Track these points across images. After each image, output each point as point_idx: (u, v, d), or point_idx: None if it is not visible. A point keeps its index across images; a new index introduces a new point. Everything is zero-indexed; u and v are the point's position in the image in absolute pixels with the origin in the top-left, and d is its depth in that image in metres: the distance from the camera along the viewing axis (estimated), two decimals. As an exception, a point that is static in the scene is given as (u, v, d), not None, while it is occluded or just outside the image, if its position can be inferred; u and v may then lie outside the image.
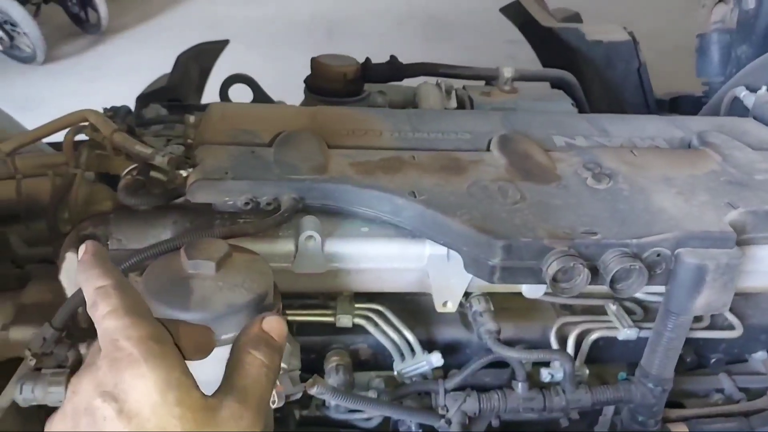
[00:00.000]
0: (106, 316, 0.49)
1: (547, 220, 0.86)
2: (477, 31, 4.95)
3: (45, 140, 1.25)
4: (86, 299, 0.52)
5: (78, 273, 0.53)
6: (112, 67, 4.64)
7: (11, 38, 4.62)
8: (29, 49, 4.64)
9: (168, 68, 1.80)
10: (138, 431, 0.43)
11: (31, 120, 1.31)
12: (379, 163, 0.98)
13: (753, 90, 1.32)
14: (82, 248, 0.56)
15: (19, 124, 1.45)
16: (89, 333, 0.91)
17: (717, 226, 0.86)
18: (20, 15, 4.53)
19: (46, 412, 0.97)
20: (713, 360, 1.06)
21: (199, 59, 1.89)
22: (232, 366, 0.52)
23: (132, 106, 1.35)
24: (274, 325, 0.56)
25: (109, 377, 0.45)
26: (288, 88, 1.64)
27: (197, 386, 0.46)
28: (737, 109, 1.36)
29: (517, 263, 0.82)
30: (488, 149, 1.05)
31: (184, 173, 0.92)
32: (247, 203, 0.90)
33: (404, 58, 1.54)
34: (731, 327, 1.04)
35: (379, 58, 1.53)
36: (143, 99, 1.63)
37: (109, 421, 0.44)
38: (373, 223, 0.92)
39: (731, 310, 1.04)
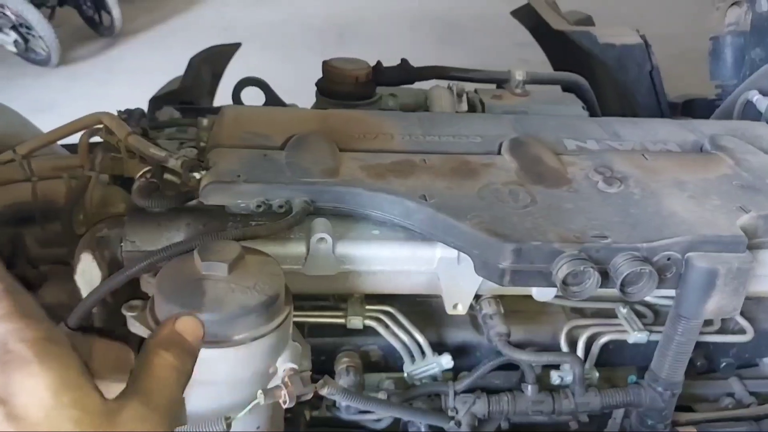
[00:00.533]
0: None
1: (557, 223, 0.86)
2: (487, 34, 4.95)
3: (60, 142, 1.27)
4: None
5: None
6: (125, 70, 4.69)
7: (26, 41, 4.67)
8: (44, 51, 4.69)
9: (181, 71, 1.81)
10: (19, 421, 0.40)
11: (45, 122, 1.32)
12: (390, 167, 0.98)
13: (766, 94, 1.32)
14: None
15: (35, 127, 1.47)
16: (104, 333, 0.92)
17: (728, 230, 0.86)
18: (35, 18, 4.58)
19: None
20: (723, 364, 1.06)
21: (211, 62, 1.91)
22: (139, 367, 0.49)
23: (145, 108, 1.36)
24: (188, 325, 0.54)
25: None
26: (300, 91, 1.65)
27: (97, 388, 0.44)
28: (750, 112, 1.36)
29: (527, 266, 0.82)
30: (499, 152, 1.05)
31: (197, 176, 0.93)
32: (259, 206, 0.91)
33: (415, 62, 1.55)
34: (742, 331, 1.04)
35: (390, 61, 1.53)
36: (156, 101, 1.64)
37: None
38: (384, 226, 0.93)
39: (742, 314, 1.04)
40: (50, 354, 0.42)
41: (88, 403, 0.42)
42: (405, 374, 0.98)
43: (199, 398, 0.78)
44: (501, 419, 0.96)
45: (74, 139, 1.11)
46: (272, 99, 1.60)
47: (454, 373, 0.98)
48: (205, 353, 0.73)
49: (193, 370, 0.51)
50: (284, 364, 0.77)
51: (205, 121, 1.16)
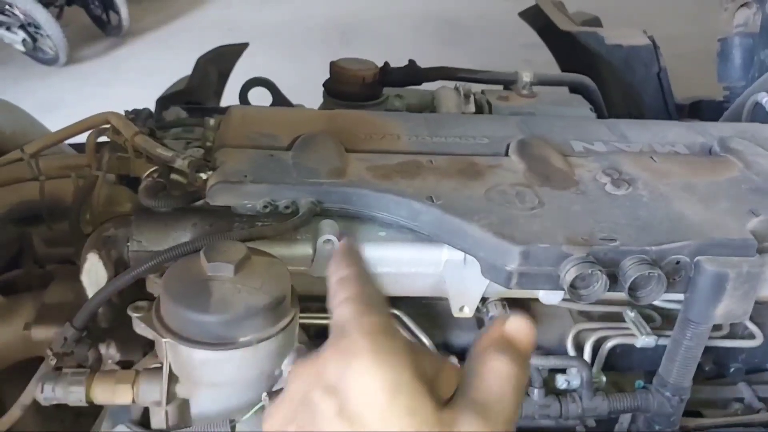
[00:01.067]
0: (340, 304, 0.43)
1: (565, 226, 0.86)
2: (493, 35, 4.94)
3: (67, 142, 1.27)
4: (329, 290, 0.47)
5: (328, 266, 0.49)
6: (133, 69, 4.70)
7: (34, 40, 4.69)
8: (52, 51, 4.71)
9: (188, 71, 1.82)
10: (358, 422, 0.37)
11: (53, 121, 1.33)
12: (397, 168, 0.98)
13: (775, 96, 1.31)
14: (338, 244, 0.51)
15: (42, 126, 1.47)
16: (110, 333, 0.92)
17: (738, 234, 0.85)
18: (43, 17, 4.60)
19: (65, 412, 0.98)
20: (732, 369, 1.05)
21: (218, 62, 1.91)
22: (471, 374, 0.43)
23: (152, 108, 1.36)
24: (520, 328, 0.46)
25: (332, 367, 0.39)
26: (305, 91, 1.65)
27: (431, 394, 0.39)
28: (759, 114, 1.35)
29: (534, 269, 0.82)
30: (506, 154, 1.05)
31: (203, 176, 0.93)
32: (265, 206, 0.91)
33: (421, 62, 1.54)
34: (751, 336, 1.03)
35: (396, 61, 1.53)
36: (163, 101, 1.65)
37: (327, 420, 0.38)
38: (391, 228, 0.92)
39: (752, 319, 1.03)
40: (387, 349, 0.39)
41: (424, 412, 0.38)
42: (411, 376, 0.97)
43: (204, 400, 0.78)
44: (507, 422, 0.95)
45: (82, 138, 1.11)
46: (279, 99, 1.60)
47: (460, 375, 0.98)
48: (209, 354, 0.73)
49: (528, 381, 0.46)
50: (290, 367, 0.77)
51: (211, 121, 1.16)
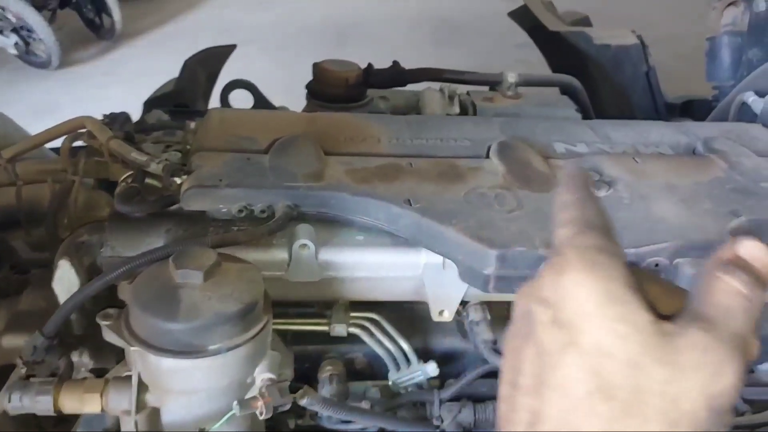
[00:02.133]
0: (558, 227, 0.43)
1: (543, 228, 0.84)
2: (488, 35, 4.93)
3: (50, 147, 1.26)
4: (552, 214, 0.46)
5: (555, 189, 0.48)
6: (126, 72, 4.69)
7: (27, 44, 4.68)
8: (44, 54, 4.70)
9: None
10: (571, 341, 0.37)
11: (46, 125, 1.31)
12: (376, 171, 0.97)
13: (762, 95, 1.30)
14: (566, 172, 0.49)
15: (23, 130, 1.46)
16: (83, 340, 0.91)
17: (718, 236, 0.84)
18: (36, 21, 4.59)
19: (44, 418, 0.97)
20: (717, 372, 1.04)
21: (206, 64, 1.89)
22: (697, 294, 0.41)
23: (132, 112, 1.35)
24: (754, 251, 0.42)
25: (548, 283, 0.40)
26: (297, 93, 1.64)
27: (650, 307, 0.38)
28: (746, 114, 1.34)
29: (511, 272, 0.81)
30: (487, 156, 1.04)
31: (178, 180, 0.92)
32: (240, 211, 0.90)
33: (414, 63, 1.53)
34: (736, 338, 1.01)
35: (390, 62, 1.52)
36: (150, 104, 1.63)
37: (542, 327, 0.39)
38: (369, 232, 0.91)
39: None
40: (597, 263, 0.39)
41: (637, 320, 0.37)
42: (390, 382, 0.96)
43: (174, 408, 0.77)
44: (487, 427, 0.94)
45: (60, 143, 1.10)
46: (261, 101, 1.59)
47: (440, 380, 0.96)
48: (178, 363, 0.72)
49: (763, 303, 0.42)
50: (262, 374, 0.76)
51: (193, 124, 1.15)
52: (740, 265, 0.42)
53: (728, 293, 0.40)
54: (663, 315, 0.39)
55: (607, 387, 0.36)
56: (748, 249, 0.43)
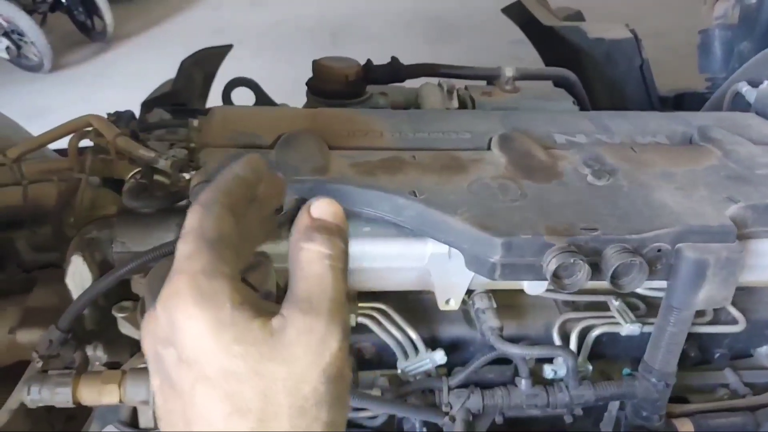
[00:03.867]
0: (181, 237, 0.43)
1: (547, 216, 0.86)
2: (482, 32, 4.95)
3: (51, 148, 1.27)
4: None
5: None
6: (118, 74, 4.68)
7: (18, 47, 4.67)
8: (36, 57, 4.69)
9: (174, 74, 1.81)
10: (199, 375, 0.39)
11: (38, 128, 1.32)
12: (380, 164, 0.98)
13: (755, 85, 1.32)
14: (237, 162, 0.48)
15: (26, 132, 1.47)
16: (96, 335, 0.92)
17: (717, 221, 0.86)
18: (27, 24, 4.58)
19: (55, 415, 0.98)
20: (717, 355, 1.06)
21: (202, 64, 1.90)
22: (290, 274, 0.43)
23: (136, 111, 1.36)
24: (324, 208, 0.45)
25: (164, 322, 0.40)
26: (293, 92, 1.65)
27: (257, 315, 0.40)
28: (739, 104, 1.36)
29: (517, 260, 0.83)
30: (489, 148, 1.05)
31: (186, 176, 0.93)
32: (249, 205, 0.91)
33: (409, 60, 1.55)
34: (734, 321, 1.04)
35: (385, 60, 1.53)
36: (148, 105, 1.64)
37: (172, 367, 0.40)
38: (375, 223, 0.93)
39: (735, 305, 1.04)
40: (206, 293, 0.40)
41: (247, 335, 0.39)
42: (399, 371, 0.98)
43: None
44: (495, 414, 0.96)
45: (64, 143, 1.11)
46: (262, 99, 1.60)
47: (448, 368, 0.98)
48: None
49: (348, 252, 0.44)
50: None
51: (195, 122, 1.16)
52: (317, 227, 0.44)
53: (314, 260, 0.43)
54: (266, 296, 0.41)
55: (240, 404, 0.38)
56: (319, 207, 0.46)
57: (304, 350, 0.40)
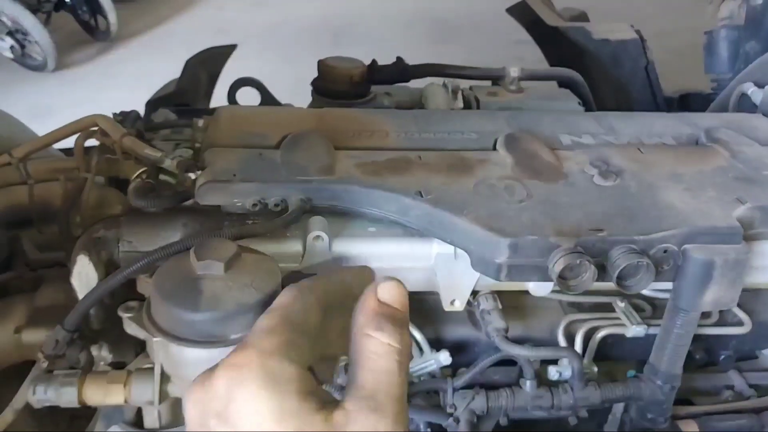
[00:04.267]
0: (266, 312, 0.44)
1: (553, 217, 0.86)
2: (485, 32, 4.95)
3: (57, 147, 1.27)
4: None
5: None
6: (122, 74, 4.69)
7: (22, 47, 4.68)
8: (40, 57, 4.70)
9: (178, 74, 1.82)
10: None
11: (43, 127, 1.32)
12: (386, 164, 0.98)
13: (761, 86, 1.32)
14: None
15: (31, 131, 1.47)
16: (102, 335, 0.92)
17: (724, 222, 0.86)
18: (31, 23, 4.59)
19: (60, 415, 0.98)
20: (723, 357, 1.06)
21: (207, 64, 1.91)
22: (354, 359, 0.43)
23: (141, 111, 1.36)
24: (392, 292, 0.45)
25: (223, 394, 0.39)
26: (297, 91, 1.65)
27: (321, 408, 0.39)
28: (745, 105, 1.36)
29: (523, 261, 0.82)
30: (494, 148, 1.05)
31: (192, 176, 0.93)
32: (255, 204, 0.91)
33: (412, 61, 1.55)
34: (740, 323, 1.04)
35: (387, 60, 1.53)
36: (152, 104, 1.65)
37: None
38: (381, 223, 0.93)
39: (741, 306, 1.04)
40: (275, 376, 0.39)
41: (312, 429, 0.39)
42: (404, 371, 0.98)
43: (197, 397, 0.78)
44: (500, 415, 0.95)
45: (70, 143, 1.11)
46: (268, 99, 1.60)
47: (453, 369, 0.98)
48: (201, 353, 0.73)
49: (411, 345, 0.44)
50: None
51: (200, 122, 1.16)
52: (386, 316, 0.43)
53: (383, 355, 0.42)
54: (331, 399, 0.40)
55: None
56: (387, 291, 0.45)
57: None
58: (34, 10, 4.75)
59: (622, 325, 1.00)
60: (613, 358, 1.04)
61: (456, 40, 5.10)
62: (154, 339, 0.74)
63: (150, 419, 0.80)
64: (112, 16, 5.10)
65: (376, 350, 0.42)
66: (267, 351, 0.40)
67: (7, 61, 4.73)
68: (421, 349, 0.97)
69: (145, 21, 5.62)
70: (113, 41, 5.21)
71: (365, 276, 0.49)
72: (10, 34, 4.62)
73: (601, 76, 1.77)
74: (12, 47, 4.64)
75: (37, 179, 1.11)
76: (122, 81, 4.44)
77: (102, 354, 0.89)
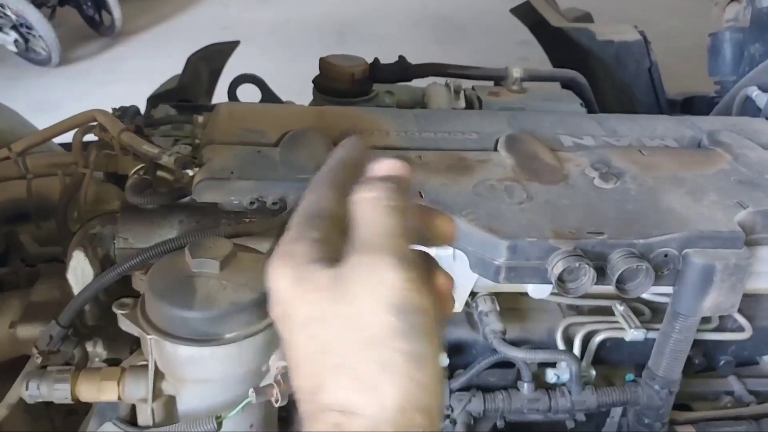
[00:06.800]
0: (295, 215, 0.47)
1: (553, 219, 0.85)
2: (489, 32, 4.94)
3: (56, 142, 1.26)
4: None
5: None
6: (126, 69, 4.68)
7: (27, 41, 4.67)
8: (44, 51, 4.69)
9: (181, 70, 1.81)
10: (293, 326, 0.43)
11: (46, 122, 1.32)
12: (385, 163, 0.98)
13: (765, 89, 1.31)
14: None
15: (31, 125, 1.47)
16: (97, 331, 0.92)
17: (725, 226, 0.85)
18: (36, 18, 4.58)
19: (55, 410, 0.98)
20: (722, 362, 1.05)
21: (209, 60, 1.90)
22: (353, 217, 0.45)
23: (141, 107, 1.35)
24: (388, 165, 0.47)
25: (269, 284, 0.45)
26: (299, 90, 1.65)
27: (327, 265, 0.43)
28: (749, 108, 1.35)
29: (522, 263, 0.82)
30: (495, 149, 1.04)
31: (190, 173, 0.93)
32: (252, 203, 0.90)
33: (416, 60, 1.54)
34: (740, 329, 1.03)
35: (391, 59, 1.53)
36: (154, 100, 1.64)
37: (280, 323, 0.45)
38: (379, 223, 0.92)
39: (741, 311, 1.03)
40: (288, 254, 0.44)
41: (320, 282, 0.42)
42: (400, 372, 0.97)
43: (190, 396, 0.78)
44: (496, 417, 0.95)
45: (69, 137, 1.10)
46: (268, 96, 1.60)
47: (450, 371, 0.97)
48: (195, 351, 0.73)
49: (404, 192, 0.45)
50: (277, 362, 0.77)
51: (200, 119, 1.16)
52: (371, 179, 0.46)
53: (370, 206, 0.44)
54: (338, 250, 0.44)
55: (322, 344, 0.42)
56: (383, 165, 0.47)
57: (362, 286, 0.41)
58: (39, 5, 4.74)
59: (621, 328, 0.99)
60: (611, 361, 1.03)
61: (461, 39, 5.09)
62: (148, 336, 0.74)
63: (143, 417, 0.79)
64: (116, 11, 5.09)
65: (361, 207, 0.44)
66: (286, 240, 0.45)
67: (11, 56, 4.72)
68: (418, 350, 0.96)
69: (150, 17, 5.61)
70: (117, 37, 5.20)
71: (353, 143, 0.52)
72: (15, 28, 4.61)
73: (604, 78, 1.76)
74: (16, 41, 4.63)
75: (35, 174, 1.10)
76: (126, 76, 4.43)
77: (96, 350, 0.88)
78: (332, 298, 0.42)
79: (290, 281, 0.43)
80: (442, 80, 1.49)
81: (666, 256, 0.83)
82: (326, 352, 0.41)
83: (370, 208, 0.44)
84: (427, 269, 0.44)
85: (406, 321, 0.40)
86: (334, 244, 0.45)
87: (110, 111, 1.14)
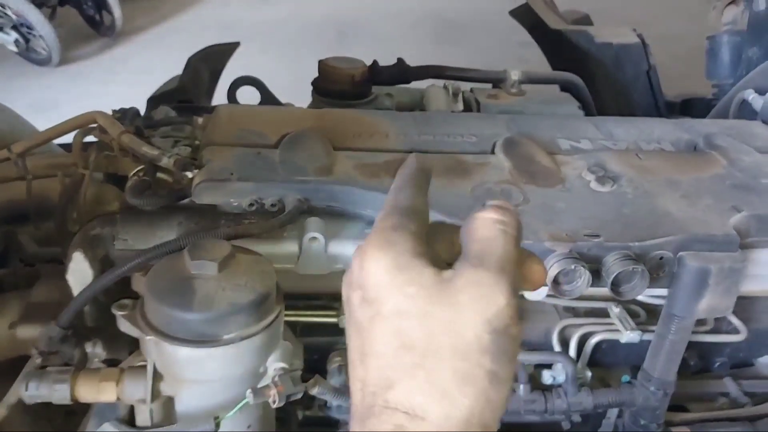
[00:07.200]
0: (380, 210, 0.49)
1: (549, 222, 0.86)
2: (489, 33, 4.94)
3: (57, 142, 1.27)
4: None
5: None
6: (126, 69, 4.69)
7: (27, 41, 4.68)
8: (44, 51, 4.70)
9: (181, 71, 1.81)
10: (376, 313, 0.43)
11: (46, 122, 1.32)
12: (385, 165, 0.98)
13: (762, 93, 1.31)
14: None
15: (31, 126, 1.47)
16: (96, 331, 0.92)
17: (720, 230, 0.86)
18: (36, 17, 4.59)
19: (54, 411, 0.98)
20: (717, 364, 1.06)
21: (209, 61, 1.90)
22: (465, 235, 0.47)
23: (140, 108, 1.36)
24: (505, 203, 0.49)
25: (356, 268, 0.45)
26: (299, 91, 1.65)
27: (434, 264, 0.44)
28: (746, 111, 1.35)
29: (518, 265, 0.82)
30: (493, 152, 1.05)
31: (189, 174, 0.93)
32: (251, 204, 0.91)
33: (415, 61, 1.55)
34: (735, 331, 1.03)
35: (391, 60, 1.53)
36: (154, 101, 1.64)
37: (356, 308, 0.45)
38: (377, 225, 0.92)
39: (736, 314, 1.04)
40: (389, 241, 0.44)
41: (422, 279, 0.43)
42: (397, 373, 0.97)
43: (188, 397, 0.79)
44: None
45: (69, 138, 1.11)
46: (268, 98, 1.60)
47: (447, 372, 0.98)
48: (193, 352, 0.73)
49: (521, 227, 0.47)
50: (274, 364, 0.77)
51: (200, 120, 1.16)
52: (490, 206, 0.48)
53: (486, 226, 0.46)
54: (448, 264, 0.45)
55: (407, 340, 0.42)
56: (498, 203, 0.48)
57: (469, 298, 0.42)
58: (39, 5, 4.74)
59: (617, 330, 1.00)
60: (607, 363, 1.03)
61: (460, 40, 5.10)
62: (147, 337, 0.74)
63: (142, 417, 0.80)
64: (117, 11, 5.09)
65: (480, 225, 0.46)
66: (384, 227, 0.46)
67: (11, 55, 4.72)
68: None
69: (150, 17, 5.62)
70: (118, 37, 5.21)
71: (417, 162, 0.54)
72: (15, 28, 4.62)
73: (602, 80, 1.77)
74: (16, 41, 4.64)
75: (35, 175, 1.11)
76: (126, 77, 4.44)
77: (96, 351, 0.88)
78: (432, 299, 0.42)
79: (387, 269, 0.43)
80: (440, 82, 1.49)
81: (661, 258, 0.84)
82: (408, 349, 0.42)
83: (494, 230, 0.45)
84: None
85: (498, 343, 0.42)
86: (427, 243, 0.47)
87: (110, 112, 1.14)
